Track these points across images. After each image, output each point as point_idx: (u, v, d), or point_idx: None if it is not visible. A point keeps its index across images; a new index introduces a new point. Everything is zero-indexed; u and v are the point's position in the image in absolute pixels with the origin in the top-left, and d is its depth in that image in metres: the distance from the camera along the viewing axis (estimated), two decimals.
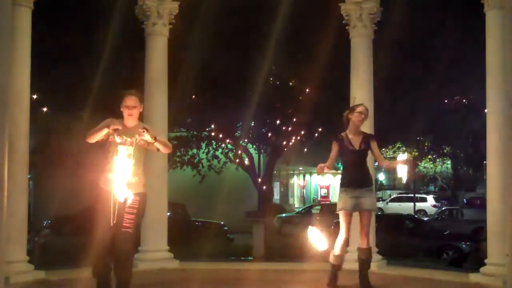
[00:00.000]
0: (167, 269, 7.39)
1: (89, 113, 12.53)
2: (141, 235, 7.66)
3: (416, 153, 30.27)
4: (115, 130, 4.80)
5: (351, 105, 6.20)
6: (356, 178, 5.71)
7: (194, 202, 18.29)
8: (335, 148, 5.72)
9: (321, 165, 5.53)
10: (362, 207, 5.69)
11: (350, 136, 5.77)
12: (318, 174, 5.57)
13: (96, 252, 4.89)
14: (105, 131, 4.84)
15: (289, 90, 14.03)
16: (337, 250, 5.75)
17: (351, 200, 5.65)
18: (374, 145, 5.85)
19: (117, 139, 4.89)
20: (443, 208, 31.90)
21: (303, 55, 11.71)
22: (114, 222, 4.80)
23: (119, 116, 5.07)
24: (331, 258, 5.81)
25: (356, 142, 5.74)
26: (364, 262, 5.80)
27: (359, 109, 5.80)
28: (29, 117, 6.74)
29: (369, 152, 5.86)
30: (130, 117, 5.00)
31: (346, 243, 5.77)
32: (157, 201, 7.70)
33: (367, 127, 7.51)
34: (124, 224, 4.81)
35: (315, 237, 5.62)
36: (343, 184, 5.75)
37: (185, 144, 16.31)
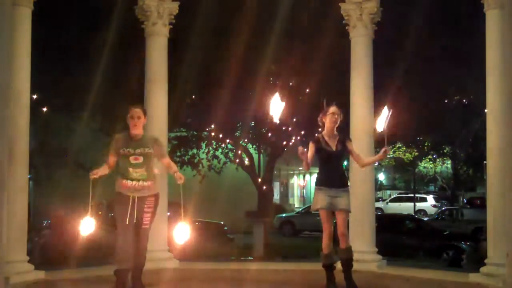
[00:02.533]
0: (167, 269, 7.39)
1: (89, 113, 12.53)
2: None
3: (416, 153, 30.28)
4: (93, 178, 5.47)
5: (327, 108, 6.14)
6: (332, 178, 5.81)
7: (194, 202, 18.27)
8: (311, 148, 5.79)
9: (301, 148, 5.47)
10: (337, 206, 5.78)
11: (326, 137, 5.87)
12: (301, 154, 5.44)
13: (122, 248, 5.49)
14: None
15: (289, 90, 14.03)
16: (324, 249, 5.84)
17: (327, 198, 5.75)
18: (351, 146, 6.00)
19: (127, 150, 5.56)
20: (443, 208, 31.88)
21: (303, 55, 11.69)
22: (133, 221, 5.46)
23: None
24: (321, 259, 5.90)
25: (332, 143, 5.85)
26: (346, 261, 5.83)
27: (331, 110, 5.88)
28: (29, 117, 6.74)
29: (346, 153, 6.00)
30: (135, 127, 5.58)
31: (331, 238, 5.82)
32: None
33: (367, 127, 7.55)
34: (144, 222, 5.56)
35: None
36: (319, 183, 5.86)
37: (185, 144, 16.29)
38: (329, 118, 5.85)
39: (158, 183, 5.76)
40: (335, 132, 5.93)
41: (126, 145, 5.57)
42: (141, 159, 5.52)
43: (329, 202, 5.76)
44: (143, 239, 5.63)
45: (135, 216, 5.48)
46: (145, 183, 5.54)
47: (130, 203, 5.47)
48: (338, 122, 5.92)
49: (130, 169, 5.50)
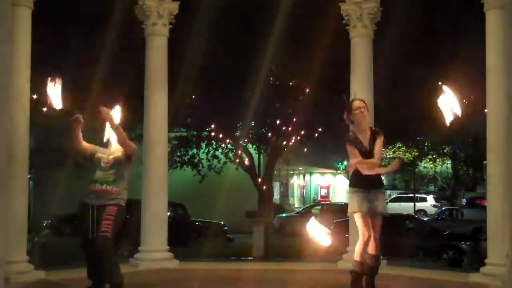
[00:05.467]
0: (167, 269, 7.40)
1: (89, 113, 12.48)
2: (141, 235, 7.70)
3: (416, 153, 30.28)
4: (76, 119, 5.49)
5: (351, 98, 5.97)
6: (370, 179, 5.46)
7: (194, 202, 18.28)
8: (352, 148, 5.44)
9: (373, 160, 5.35)
10: (375, 210, 5.47)
11: (359, 135, 5.54)
12: (372, 168, 5.31)
13: (86, 259, 5.30)
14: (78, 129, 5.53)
15: (289, 90, 14.03)
16: (358, 256, 5.49)
17: (365, 201, 5.43)
18: (378, 140, 5.51)
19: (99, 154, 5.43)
20: (443, 208, 31.90)
21: (303, 55, 11.68)
22: (93, 232, 5.12)
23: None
24: (354, 265, 5.53)
25: (365, 141, 5.52)
26: (371, 268, 5.53)
27: (357, 105, 5.54)
28: (29, 117, 6.75)
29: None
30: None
31: (367, 244, 5.48)
32: (157, 201, 7.72)
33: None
34: (102, 229, 5.09)
35: (316, 233, 5.27)
36: (355, 185, 5.51)
37: (185, 144, 16.30)
38: (357, 114, 5.50)
39: (124, 195, 5.38)
40: (366, 127, 5.59)
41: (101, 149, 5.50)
42: (111, 162, 5.36)
43: (367, 205, 5.42)
44: (102, 248, 5.03)
45: (95, 226, 5.14)
46: (109, 187, 5.25)
47: (90, 212, 5.18)
48: (367, 114, 5.56)
49: (98, 171, 5.32)
